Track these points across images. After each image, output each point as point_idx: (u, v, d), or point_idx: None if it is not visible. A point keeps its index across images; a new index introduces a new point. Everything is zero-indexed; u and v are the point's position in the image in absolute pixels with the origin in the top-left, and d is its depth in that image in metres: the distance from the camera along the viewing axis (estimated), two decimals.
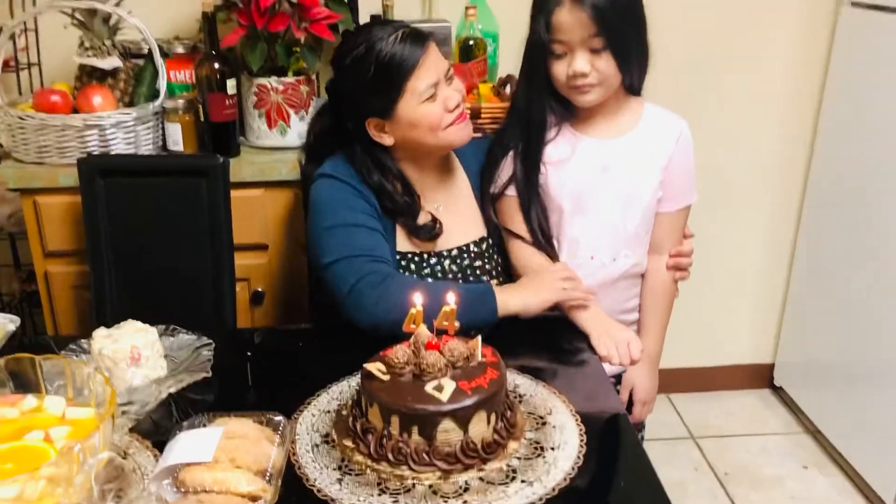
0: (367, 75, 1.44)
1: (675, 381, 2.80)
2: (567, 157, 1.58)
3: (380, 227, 1.50)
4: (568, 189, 1.58)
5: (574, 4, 1.43)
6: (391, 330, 1.23)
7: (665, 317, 1.69)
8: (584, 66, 1.47)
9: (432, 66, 1.46)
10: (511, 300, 1.43)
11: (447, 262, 1.57)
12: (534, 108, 1.57)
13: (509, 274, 1.64)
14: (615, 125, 1.58)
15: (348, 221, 1.47)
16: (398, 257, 1.55)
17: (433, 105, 1.46)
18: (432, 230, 1.55)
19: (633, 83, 1.56)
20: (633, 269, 1.62)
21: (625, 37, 1.47)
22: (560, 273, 1.49)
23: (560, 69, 1.50)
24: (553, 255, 1.60)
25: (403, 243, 1.56)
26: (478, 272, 1.60)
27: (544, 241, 1.60)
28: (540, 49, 1.51)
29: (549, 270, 1.52)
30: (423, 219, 1.55)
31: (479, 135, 1.74)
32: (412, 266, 1.55)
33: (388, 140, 1.51)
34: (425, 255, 1.56)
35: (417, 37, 1.46)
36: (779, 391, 2.84)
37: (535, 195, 1.60)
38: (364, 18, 2.12)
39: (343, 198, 1.50)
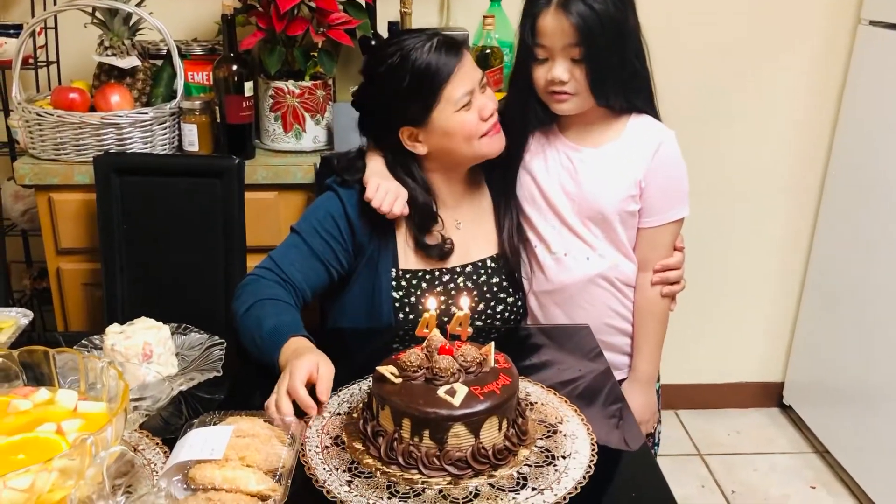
0: (402, 83, 1.43)
1: (683, 398, 2.79)
2: (538, 153, 1.57)
3: (327, 250, 1.50)
4: (532, 184, 1.57)
5: (559, 10, 1.41)
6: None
7: (656, 335, 1.63)
8: (563, 74, 1.45)
9: (468, 74, 1.46)
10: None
11: (461, 278, 1.56)
12: (516, 110, 1.55)
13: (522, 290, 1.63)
14: (593, 136, 1.55)
15: (301, 229, 1.52)
16: (408, 275, 1.53)
17: (469, 114, 1.46)
18: (442, 248, 1.54)
19: (609, 102, 1.49)
20: (610, 271, 1.57)
21: (604, 52, 1.43)
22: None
23: (540, 74, 1.49)
24: (516, 255, 1.59)
25: (412, 261, 1.55)
26: (494, 289, 1.58)
27: (518, 239, 1.59)
28: (525, 51, 1.49)
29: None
30: (433, 240, 1.54)
31: None
32: (423, 284, 1.54)
33: (421, 149, 1.50)
34: (437, 273, 1.55)
35: (452, 45, 1.46)
36: (787, 410, 2.82)
37: (511, 195, 1.59)
38: (382, 24, 2.13)
39: (321, 209, 1.53)
